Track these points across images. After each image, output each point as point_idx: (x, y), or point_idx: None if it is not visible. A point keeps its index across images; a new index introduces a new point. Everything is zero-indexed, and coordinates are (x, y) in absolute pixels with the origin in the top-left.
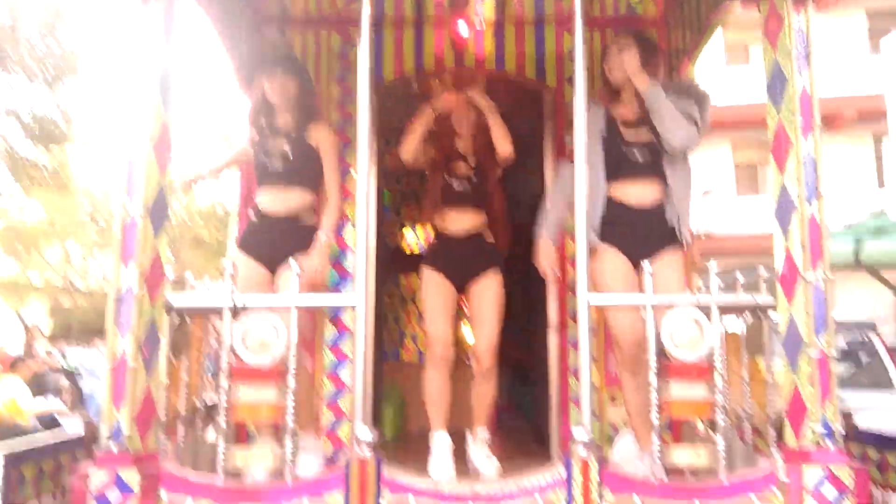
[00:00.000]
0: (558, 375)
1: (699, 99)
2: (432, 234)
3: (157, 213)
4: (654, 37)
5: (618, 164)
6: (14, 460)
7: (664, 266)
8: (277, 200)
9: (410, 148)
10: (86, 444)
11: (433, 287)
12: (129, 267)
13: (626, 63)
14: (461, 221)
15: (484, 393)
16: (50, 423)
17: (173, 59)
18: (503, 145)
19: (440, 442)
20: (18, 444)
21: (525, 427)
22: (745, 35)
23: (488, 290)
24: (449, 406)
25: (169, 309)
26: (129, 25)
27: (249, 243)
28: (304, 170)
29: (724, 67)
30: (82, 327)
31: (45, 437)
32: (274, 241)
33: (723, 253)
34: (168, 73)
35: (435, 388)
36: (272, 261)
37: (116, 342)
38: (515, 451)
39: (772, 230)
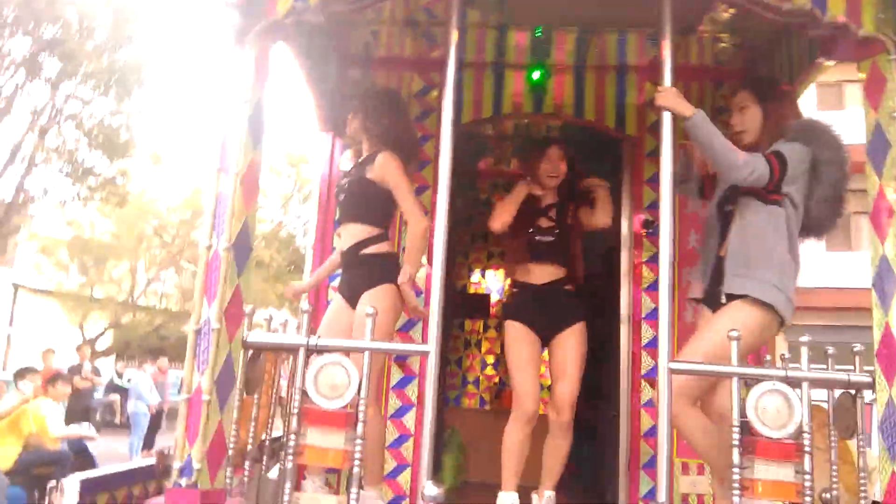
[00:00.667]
0: (628, 439)
1: (821, 144)
2: (513, 286)
3: (241, 248)
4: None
5: None
6: (90, 487)
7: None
8: (348, 237)
9: (504, 221)
10: (157, 474)
11: (519, 340)
12: (211, 301)
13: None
14: (545, 274)
15: (558, 448)
16: (79, 447)
17: (263, 97)
18: (604, 219)
19: (508, 502)
20: (94, 472)
21: (586, 490)
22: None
23: (572, 341)
24: (523, 465)
25: (246, 345)
26: (224, 65)
27: (340, 282)
28: (359, 203)
29: (816, 112)
30: (141, 344)
31: (118, 466)
32: (348, 279)
33: (811, 308)
34: (259, 110)
35: (516, 443)
36: (351, 297)
37: (193, 376)
38: None
39: (866, 288)
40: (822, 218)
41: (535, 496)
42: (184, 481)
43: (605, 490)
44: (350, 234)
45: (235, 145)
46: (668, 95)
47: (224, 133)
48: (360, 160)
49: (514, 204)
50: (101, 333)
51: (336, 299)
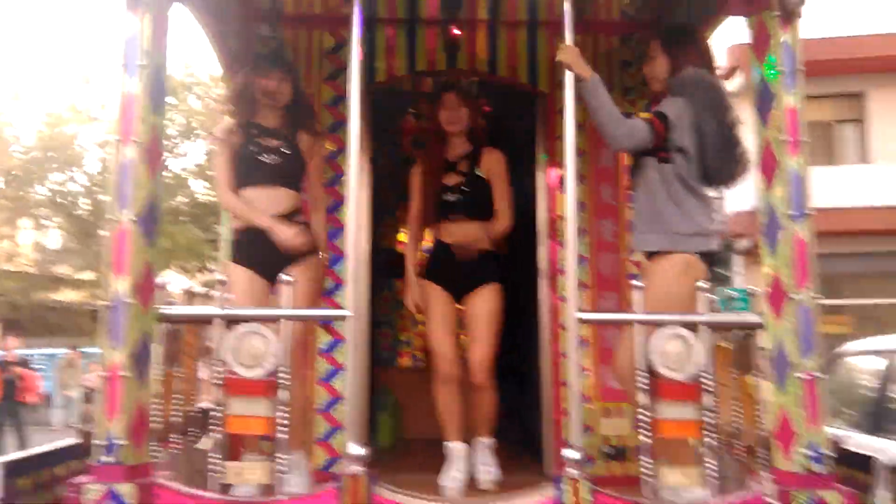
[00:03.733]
0: (551, 386)
1: (698, 91)
2: (431, 244)
3: (149, 220)
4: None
5: None
6: (12, 470)
7: None
8: (271, 200)
9: (413, 213)
10: (81, 453)
11: (431, 300)
12: (121, 276)
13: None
14: (457, 233)
15: (480, 404)
16: None
17: (162, 62)
18: (503, 219)
19: (453, 451)
20: (17, 454)
21: (522, 436)
22: None
23: (485, 304)
24: (461, 416)
25: (162, 319)
26: (116, 30)
27: (243, 252)
28: (295, 170)
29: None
30: None
31: (41, 448)
32: (269, 246)
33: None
34: (158, 76)
35: (443, 402)
36: (270, 267)
37: (109, 353)
38: (511, 461)
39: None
40: (720, 166)
41: (472, 445)
42: (108, 458)
43: (535, 433)
44: (275, 201)
45: (135, 113)
46: (569, 53)
47: (122, 100)
48: (283, 126)
49: (416, 191)
50: None
51: (242, 271)
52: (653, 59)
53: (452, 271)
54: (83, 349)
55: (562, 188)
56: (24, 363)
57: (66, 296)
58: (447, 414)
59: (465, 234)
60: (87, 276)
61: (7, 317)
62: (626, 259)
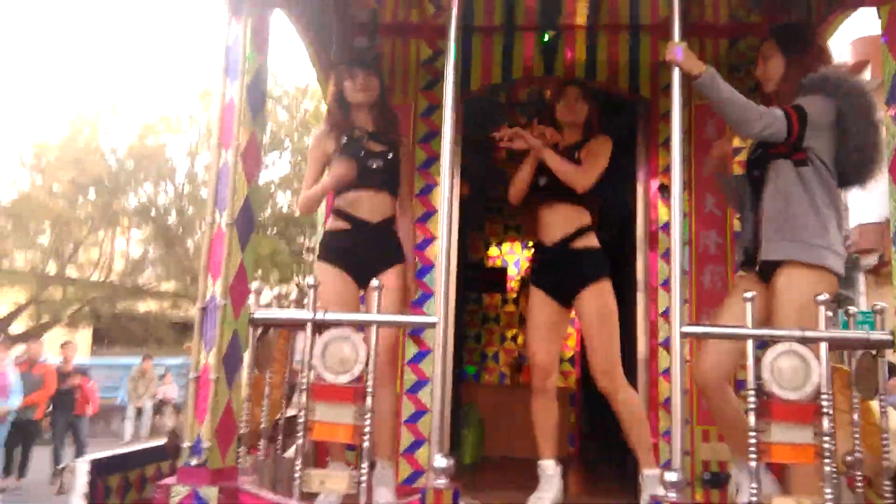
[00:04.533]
0: (646, 407)
1: (843, 94)
2: (535, 249)
3: (244, 223)
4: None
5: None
6: (101, 469)
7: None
8: (374, 205)
9: (519, 190)
10: (168, 454)
11: (534, 306)
12: (215, 278)
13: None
14: (556, 230)
15: (620, 414)
16: None
17: (262, 68)
18: (582, 174)
19: (545, 470)
20: (106, 453)
21: (612, 461)
22: None
23: (594, 303)
24: (556, 433)
25: (253, 322)
26: (220, 35)
27: (339, 253)
28: (394, 175)
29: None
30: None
31: (130, 447)
32: (368, 250)
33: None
34: (258, 81)
35: (538, 415)
36: (364, 271)
37: (200, 354)
38: (599, 484)
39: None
40: (858, 168)
41: (640, 476)
42: (194, 461)
43: (625, 457)
44: (378, 205)
45: (234, 118)
46: (678, 51)
47: (222, 106)
48: (381, 131)
49: (529, 169)
50: (14, 312)
51: (335, 273)
52: (767, 60)
53: (555, 273)
54: (158, 360)
55: (663, 197)
56: (82, 373)
57: (149, 305)
58: (540, 429)
59: (563, 230)
60: (169, 286)
61: (91, 326)
62: (732, 273)
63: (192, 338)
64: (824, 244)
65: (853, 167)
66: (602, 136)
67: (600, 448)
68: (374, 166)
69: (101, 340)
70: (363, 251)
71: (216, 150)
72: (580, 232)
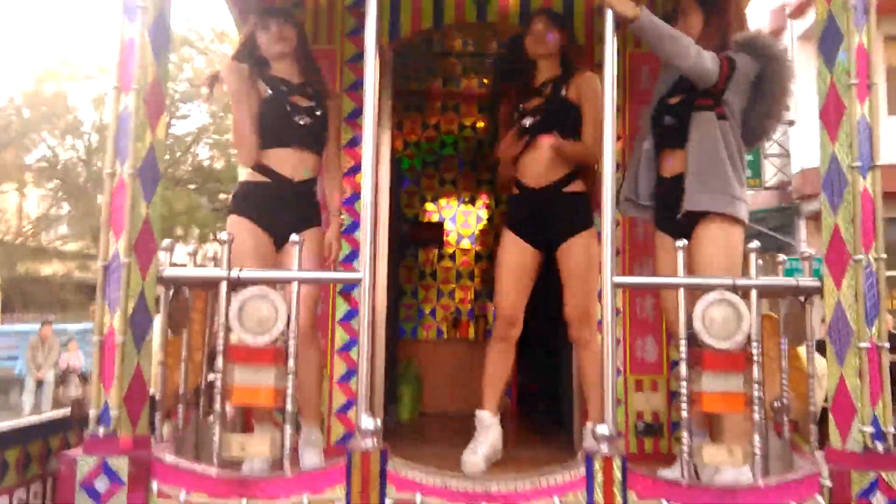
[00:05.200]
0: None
1: (766, 58)
2: (513, 188)
3: (148, 174)
4: None
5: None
6: None
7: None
8: (298, 163)
9: (507, 186)
10: (74, 423)
11: (505, 252)
12: (118, 234)
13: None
14: (539, 173)
15: (588, 366)
16: None
17: (165, 5)
18: (588, 145)
19: (483, 421)
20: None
21: (551, 410)
22: None
23: (583, 253)
24: (502, 387)
25: (162, 281)
26: None
27: (256, 208)
28: (322, 132)
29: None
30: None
31: (29, 419)
32: (288, 210)
33: None
34: (159, 20)
35: (494, 363)
36: (282, 230)
37: (104, 316)
38: (536, 436)
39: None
40: (757, 130)
41: (585, 428)
42: (102, 430)
43: (563, 410)
44: (303, 163)
45: (135, 60)
46: None
47: (122, 46)
48: (306, 83)
49: (502, 127)
50: None
51: (251, 228)
52: (686, 16)
53: (542, 218)
54: (60, 325)
55: None
56: None
57: (54, 267)
58: (491, 377)
59: (548, 174)
60: (75, 246)
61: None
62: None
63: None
64: (743, 197)
65: (756, 129)
66: (588, 75)
67: (535, 399)
68: (302, 122)
69: (11, 308)
70: (282, 210)
71: (115, 94)
72: (571, 176)
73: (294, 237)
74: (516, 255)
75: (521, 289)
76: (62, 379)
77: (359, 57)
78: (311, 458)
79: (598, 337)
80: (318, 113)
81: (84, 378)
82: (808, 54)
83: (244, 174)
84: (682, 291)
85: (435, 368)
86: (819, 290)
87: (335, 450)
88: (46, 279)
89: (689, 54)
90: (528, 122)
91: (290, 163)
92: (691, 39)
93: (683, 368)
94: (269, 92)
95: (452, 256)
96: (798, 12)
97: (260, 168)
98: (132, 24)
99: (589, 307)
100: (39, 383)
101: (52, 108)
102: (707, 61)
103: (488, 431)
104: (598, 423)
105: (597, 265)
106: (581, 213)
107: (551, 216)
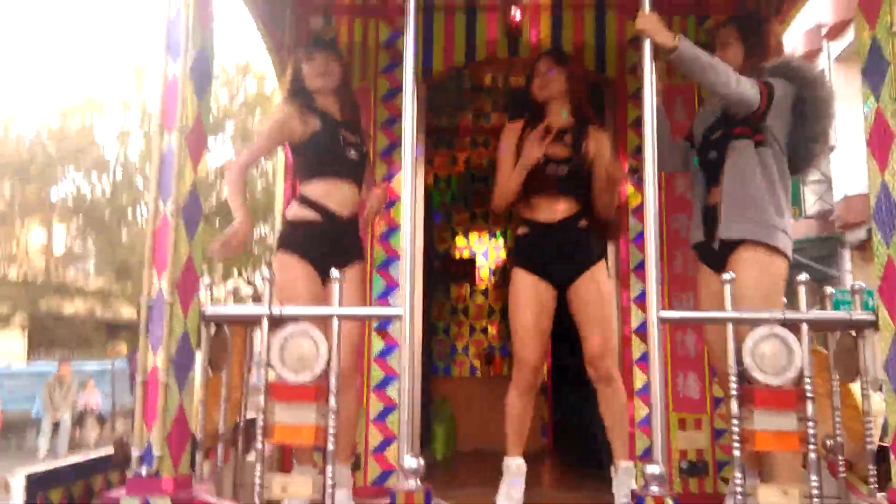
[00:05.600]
0: None
1: (801, 80)
2: (520, 226)
3: (191, 212)
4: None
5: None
6: (38, 483)
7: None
8: (345, 197)
9: (508, 202)
10: (116, 464)
11: (525, 293)
12: (161, 272)
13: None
14: (557, 211)
15: (611, 403)
16: None
17: (208, 44)
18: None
19: (511, 468)
20: (42, 466)
21: (582, 451)
22: None
23: (596, 287)
24: (527, 431)
25: (205, 319)
26: (160, 9)
27: (307, 245)
28: (364, 169)
29: None
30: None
31: (71, 458)
32: (336, 245)
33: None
34: (203, 59)
35: (519, 413)
36: (328, 266)
37: (147, 356)
38: (574, 476)
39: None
40: (806, 156)
41: (612, 470)
42: (144, 470)
43: (600, 450)
44: (349, 198)
45: (177, 99)
46: (649, 21)
47: (164, 85)
48: (349, 119)
49: (509, 153)
50: None
51: (302, 266)
52: (725, 47)
53: (552, 256)
54: (78, 365)
55: (633, 180)
56: None
57: (75, 305)
58: (517, 426)
59: (565, 211)
60: (97, 284)
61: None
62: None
63: (120, 339)
64: (781, 226)
65: (804, 154)
66: (603, 134)
67: (572, 439)
68: (352, 157)
69: (36, 346)
70: (330, 246)
71: (158, 132)
72: (581, 212)
73: (334, 272)
74: (534, 296)
75: (542, 331)
76: (79, 420)
77: (392, 94)
78: (343, 499)
79: (618, 375)
80: (364, 150)
81: (102, 419)
82: (845, 77)
83: (291, 211)
84: (730, 326)
85: (468, 406)
86: (874, 324)
87: (372, 490)
88: (69, 318)
89: (730, 82)
90: (560, 171)
91: (337, 196)
92: (729, 66)
93: (734, 405)
94: (321, 124)
95: (485, 292)
96: (834, 33)
97: (306, 201)
98: (175, 62)
99: (609, 341)
100: (56, 425)
101: (77, 144)
102: (747, 87)
103: (520, 477)
104: (626, 460)
105: (611, 300)
106: (594, 247)
107: (567, 251)
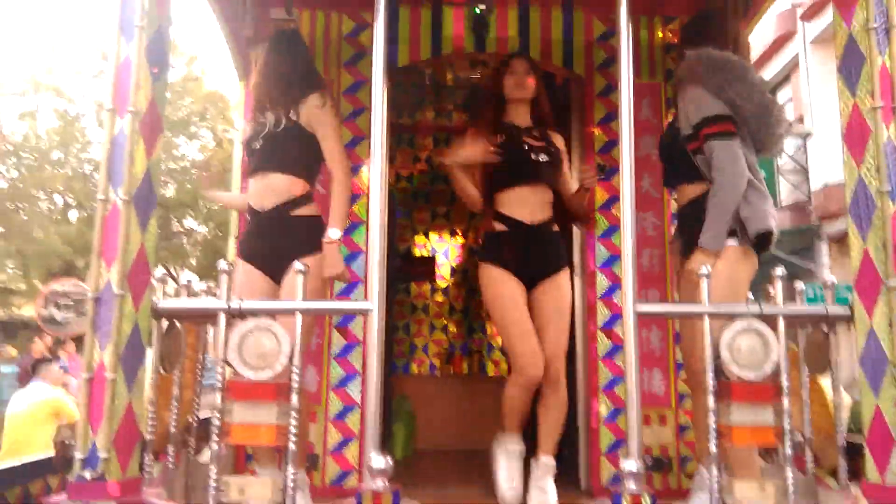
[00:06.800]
0: (586, 394)
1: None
2: (494, 221)
3: (143, 200)
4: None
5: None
6: None
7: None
8: (262, 190)
9: (477, 201)
10: (57, 467)
11: (506, 289)
12: (110, 264)
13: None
14: (536, 209)
15: (553, 406)
16: None
17: (164, 24)
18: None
19: (511, 446)
20: None
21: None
22: None
23: (561, 292)
24: (525, 418)
25: (157, 313)
26: None
27: (245, 247)
28: (286, 150)
29: None
30: None
31: (8, 462)
32: (266, 241)
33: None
34: (160, 39)
35: (520, 405)
36: (270, 264)
37: (93, 352)
38: None
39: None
40: (763, 136)
41: (533, 462)
42: (88, 473)
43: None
44: (271, 186)
45: (132, 80)
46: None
47: (116, 67)
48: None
49: (465, 178)
50: None
51: (247, 268)
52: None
53: (524, 256)
54: None
55: (600, 178)
56: None
57: None
58: (516, 412)
59: (543, 212)
60: None
61: None
62: (669, 255)
63: (18, 339)
64: (746, 214)
65: (758, 136)
66: (558, 135)
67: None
68: (257, 146)
69: None
70: (264, 243)
71: (110, 116)
72: (553, 216)
73: (298, 265)
74: (514, 287)
75: (530, 323)
76: None
77: (356, 87)
78: (302, 501)
79: (564, 376)
80: (276, 132)
81: None
82: (821, 59)
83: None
84: (707, 320)
85: (428, 404)
86: (849, 318)
87: (331, 490)
88: None
89: (734, 199)
90: (542, 158)
91: (255, 191)
92: (725, 198)
93: (711, 400)
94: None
95: (445, 291)
96: (810, 14)
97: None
98: (129, 44)
99: (563, 346)
100: None
101: None
102: (733, 163)
103: (518, 459)
104: (549, 455)
105: (569, 307)
106: (563, 254)
107: (538, 253)
